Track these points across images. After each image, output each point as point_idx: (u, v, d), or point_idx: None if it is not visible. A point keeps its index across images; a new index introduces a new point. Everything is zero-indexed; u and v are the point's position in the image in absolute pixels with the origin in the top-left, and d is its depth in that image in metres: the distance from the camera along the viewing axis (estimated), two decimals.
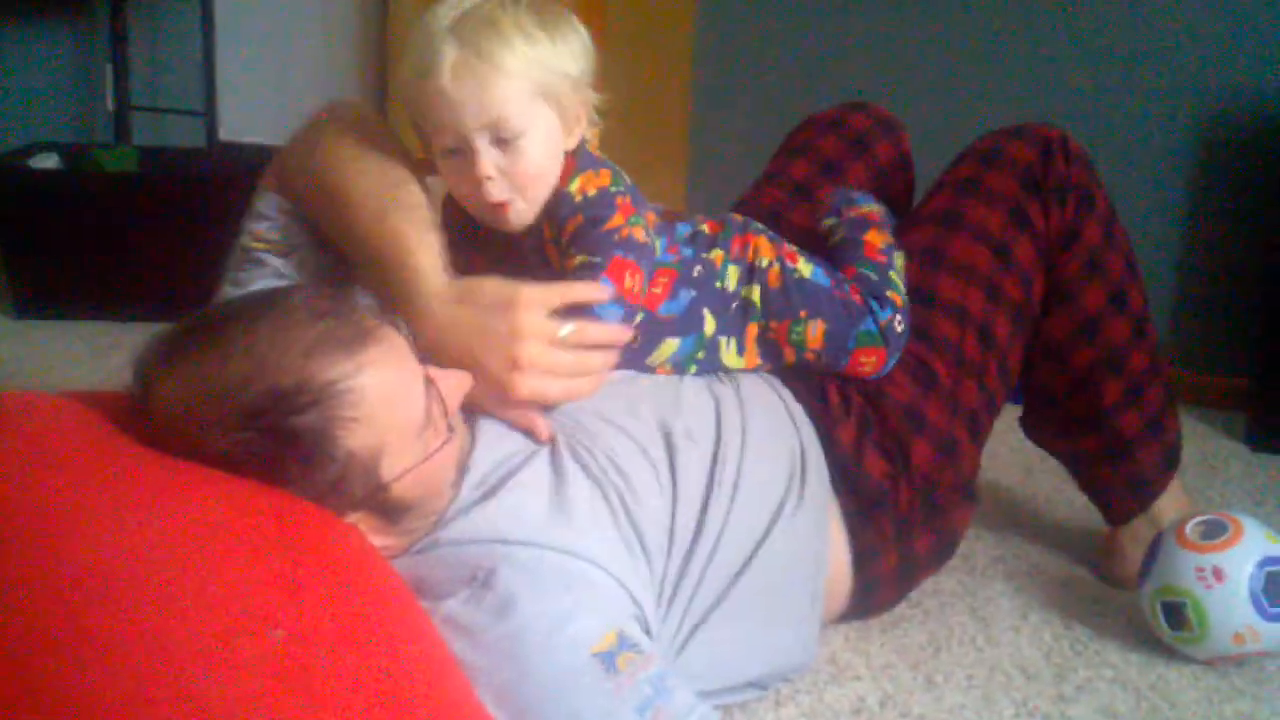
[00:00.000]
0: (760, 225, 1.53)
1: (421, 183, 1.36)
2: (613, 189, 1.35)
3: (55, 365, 2.59)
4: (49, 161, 3.09)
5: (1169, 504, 1.78)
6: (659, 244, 1.40)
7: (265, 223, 1.41)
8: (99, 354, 2.65)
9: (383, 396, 1.07)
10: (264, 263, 1.39)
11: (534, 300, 1.26)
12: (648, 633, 1.18)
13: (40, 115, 3.65)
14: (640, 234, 1.34)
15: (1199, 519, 1.58)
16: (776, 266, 1.48)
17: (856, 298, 1.51)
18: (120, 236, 2.88)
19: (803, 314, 1.48)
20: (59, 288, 2.92)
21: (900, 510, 1.50)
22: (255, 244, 1.40)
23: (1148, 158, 2.71)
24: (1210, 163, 2.68)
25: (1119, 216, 1.71)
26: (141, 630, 0.83)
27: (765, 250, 1.49)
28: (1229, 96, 2.63)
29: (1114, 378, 1.69)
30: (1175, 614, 1.54)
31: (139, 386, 1.09)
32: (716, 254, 1.46)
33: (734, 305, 1.47)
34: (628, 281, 1.31)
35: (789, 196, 1.74)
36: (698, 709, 1.08)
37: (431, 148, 1.32)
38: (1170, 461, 1.79)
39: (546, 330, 1.25)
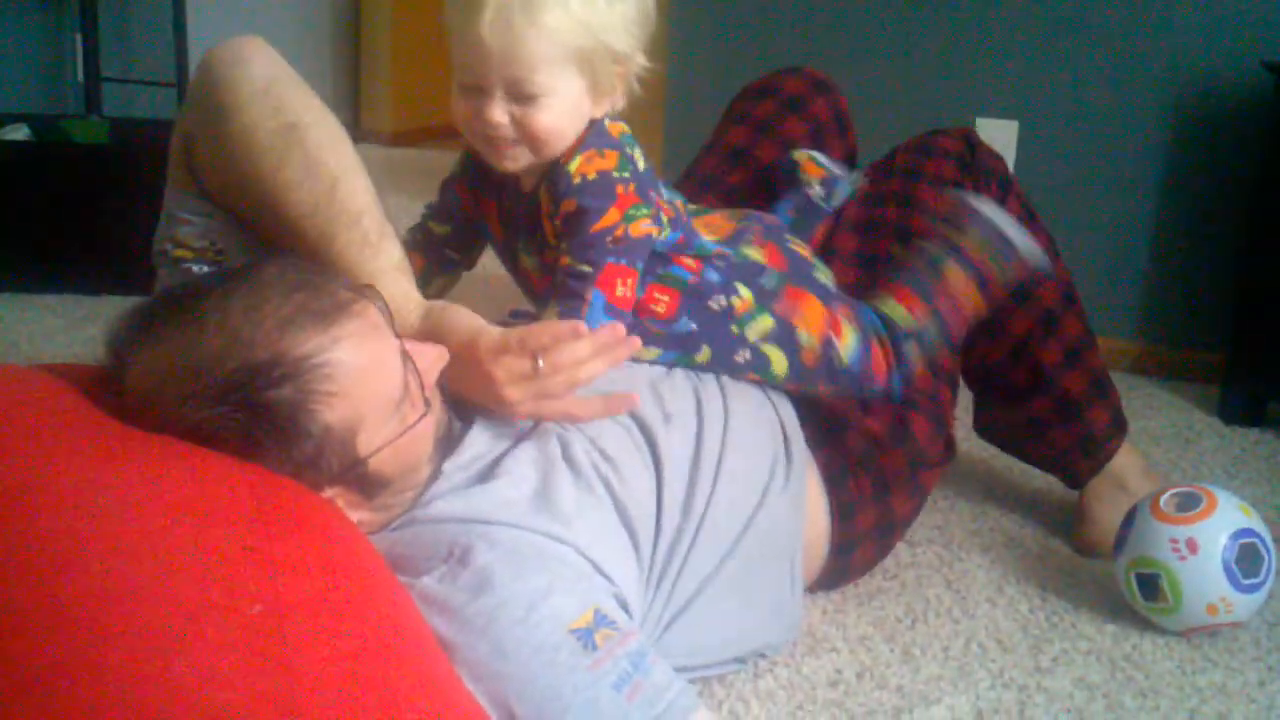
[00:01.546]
0: (822, 278, 1.49)
1: (349, 150, 1.27)
2: (616, 174, 1.29)
3: (28, 338, 2.57)
4: (18, 134, 3.05)
5: (1128, 465, 1.83)
6: (666, 235, 1.35)
7: (185, 227, 1.31)
8: (72, 327, 2.63)
9: (359, 370, 1.06)
10: (194, 273, 1.30)
11: (494, 349, 1.20)
12: (627, 611, 1.18)
13: (9, 87, 3.61)
14: (639, 229, 1.30)
15: (1174, 491, 1.59)
16: (818, 347, 1.45)
17: (880, 378, 1.49)
18: (91, 209, 2.86)
19: (821, 388, 1.49)
20: (30, 261, 2.89)
21: (885, 471, 1.53)
22: (180, 252, 1.31)
23: (1122, 133, 2.72)
24: (1184, 138, 2.69)
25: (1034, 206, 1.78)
26: (117, 607, 0.82)
27: (814, 322, 1.44)
28: (1203, 74, 2.64)
29: (1052, 339, 1.75)
30: (1149, 585, 1.55)
31: (113, 361, 1.08)
32: (746, 297, 1.41)
33: (744, 354, 1.43)
34: (619, 290, 1.29)
35: (725, 162, 1.76)
36: (675, 683, 1.08)
37: (455, 74, 1.27)
38: (1118, 423, 1.83)
39: (519, 371, 1.20)
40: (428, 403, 1.14)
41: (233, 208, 1.29)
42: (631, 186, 1.31)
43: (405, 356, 1.12)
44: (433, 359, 1.17)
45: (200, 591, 0.85)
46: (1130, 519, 1.61)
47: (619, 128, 1.34)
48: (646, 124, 3.88)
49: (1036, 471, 2.10)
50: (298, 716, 0.80)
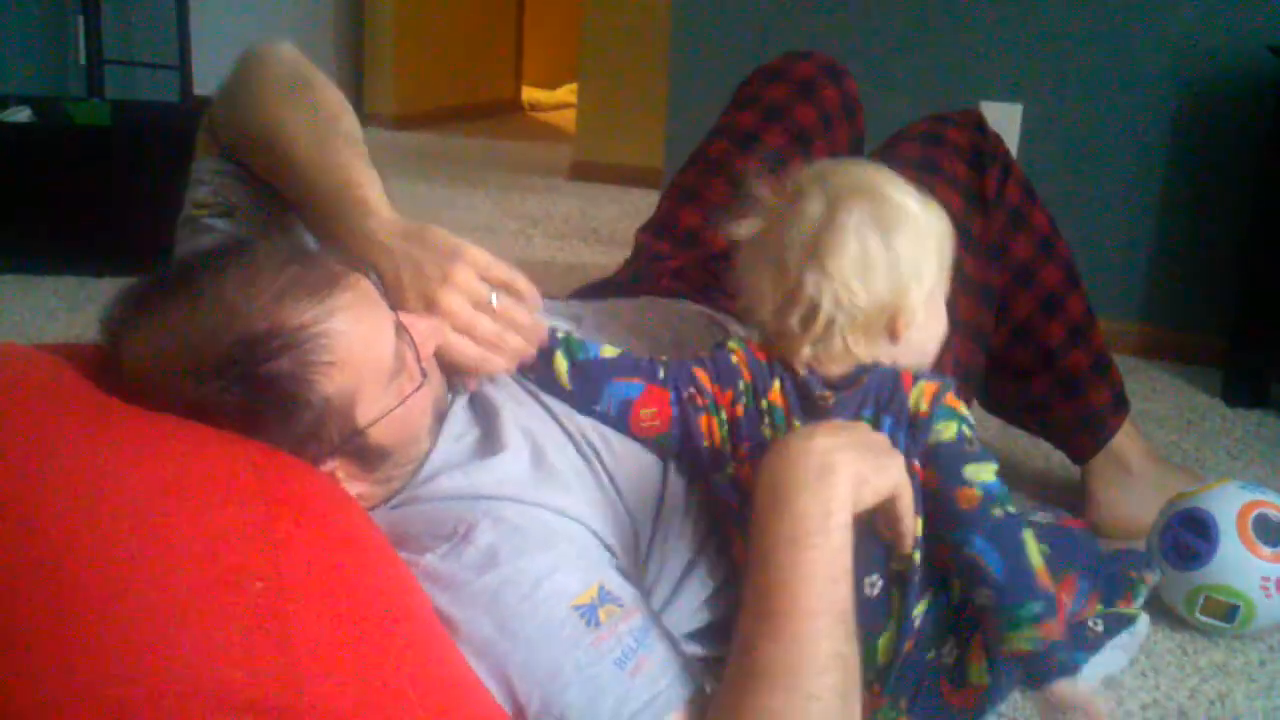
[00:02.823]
0: None
1: (351, 113, 1.33)
2: None
3: (31, 319, 2.58)
4: (21, 115, 3.06)
5: (1130, 445, 1.84)
6: None
7: (203, 187, 1.36)
8: (75, 308, 2.63)
9: (355, 340, 1.06)
10: (209, 228, 1.34)
11: (477, 260, 1.22)
12: (630, 584, 1.17)
13: (11, 68, 3.62)
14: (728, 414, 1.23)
15: (1258, 512, 1.53)
16: None
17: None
18: (94, 190, 2.86)
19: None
20: (32, 242, 2.90)
21: None
22: (196, 211, 1.35)
23: (1126, 116, 2.72)
24: (1188, 121, 2.69)
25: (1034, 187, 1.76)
26: (120, 582, 0.83)
27: None
28: (1207, 57, 2.64)
29: (1055, 320, 1.75)
30: (1221, 610, 1.53)
31: (109, 344, 1.08)
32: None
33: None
34: (644, 411, 1.24)
35: (735, 146, 1.74)
36: (679, 659, 1.08)
37: None
38: (1120, 402, 1.84)
39: (476, 290, 1.21)
40: (424, 373, 1.14)
41: (243, 153, 1.34)
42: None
43: (400, 328, 1.13)
44: (427, 331, 1.17)
45: (202, 568, 0.85)
46: (1207, 533, 1.53)
47: None
48: (650, 105, 3.88)
49: (1037, 453, 2.11)
50: (299, 691, 0.81)
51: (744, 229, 1.22)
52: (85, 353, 1.13)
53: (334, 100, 1.33)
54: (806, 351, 1.18)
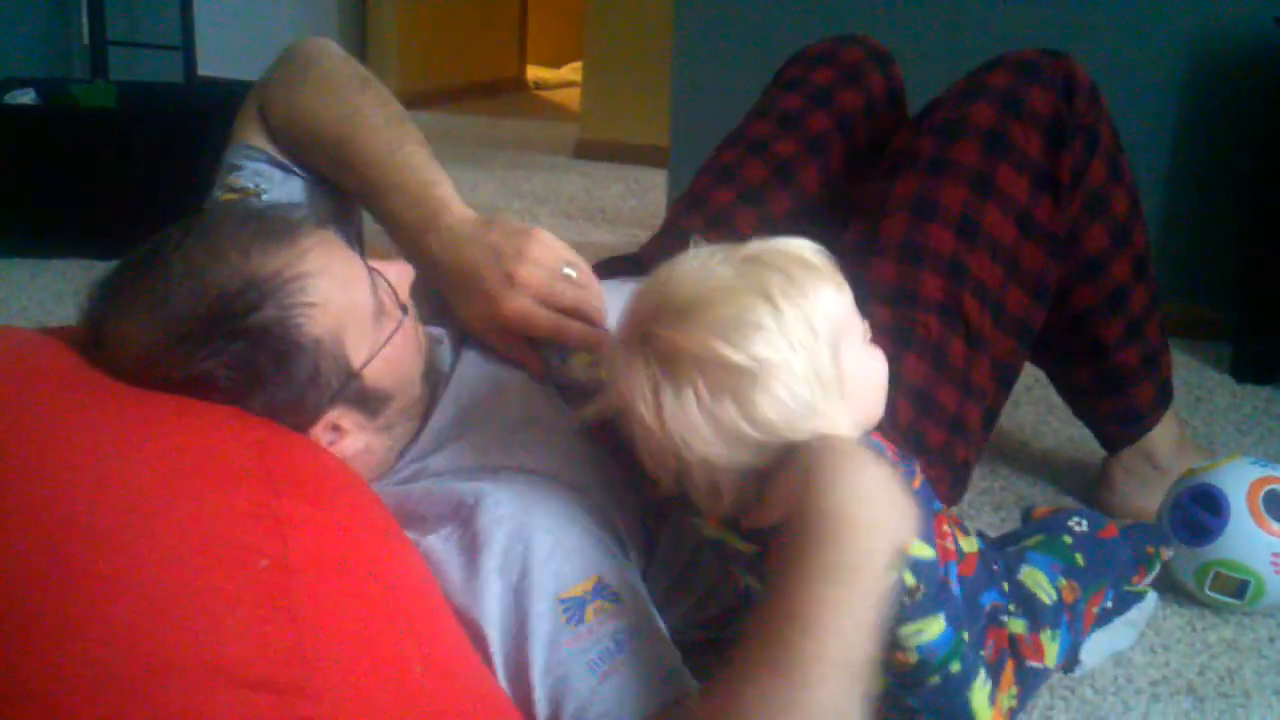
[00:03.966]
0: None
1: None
2: None
3: (38, 303, 2.58)
4: (25, 98, 3.05)
5: (1162, 440, 1.79)
6: None
7: (235, 172, 1.37)
8: (81, 291, 2.62)
9: (332, 279, 1.08)
10: None
11: (547, 238, 1.25)
12: (634, 571, 1.16)
13: (16, 51, 3.61)
14: None
15: (1264, 483, 1.53)
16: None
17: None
18: (99, 172, 2.86)
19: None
20: (38, 225, 2.90)
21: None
22: (228, 195, 1.36)
23: (1132, 90, 2.70)
24: (1194, 95, 2.67)
25: (1123, 148, 1.64)
26: (127, 563, 0.83)
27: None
28: (1214, 30, 2.62)
29: (1115, 316, 1.67)
30: (1231, 586, 1.52)
31: (93, 341, 1.09)
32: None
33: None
34: None
35: (777, 127, 1.70)
36: (661, 669, 1.02)
37: None
38: (1163, 397, 1.78)
39: (550, 262, 1.23)
40: (405, 309, 1.16)
41: (297, 140, 1.36)
42: None
43: (371, 270, 1.14)
44: (398, 273, 1.19)
45: (208, 547, 0.85)
46: (1217, 509, 1.53)
47: None
48: (655, 84, 3.86)
49: (1047, 430, 2.10)
50: (308, 668, 0.81)
51: (590, 413, 1.14)
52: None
53: (395, 100, 1.36)
54: (729, 513, 1.04)
